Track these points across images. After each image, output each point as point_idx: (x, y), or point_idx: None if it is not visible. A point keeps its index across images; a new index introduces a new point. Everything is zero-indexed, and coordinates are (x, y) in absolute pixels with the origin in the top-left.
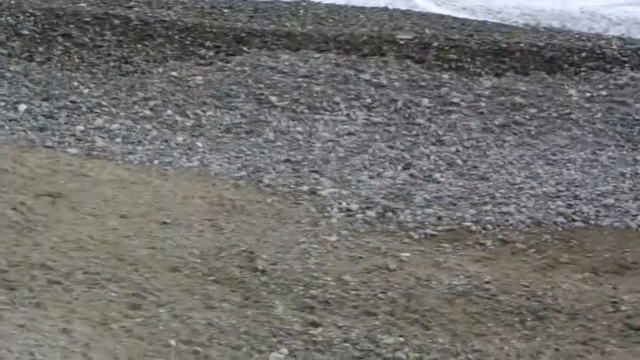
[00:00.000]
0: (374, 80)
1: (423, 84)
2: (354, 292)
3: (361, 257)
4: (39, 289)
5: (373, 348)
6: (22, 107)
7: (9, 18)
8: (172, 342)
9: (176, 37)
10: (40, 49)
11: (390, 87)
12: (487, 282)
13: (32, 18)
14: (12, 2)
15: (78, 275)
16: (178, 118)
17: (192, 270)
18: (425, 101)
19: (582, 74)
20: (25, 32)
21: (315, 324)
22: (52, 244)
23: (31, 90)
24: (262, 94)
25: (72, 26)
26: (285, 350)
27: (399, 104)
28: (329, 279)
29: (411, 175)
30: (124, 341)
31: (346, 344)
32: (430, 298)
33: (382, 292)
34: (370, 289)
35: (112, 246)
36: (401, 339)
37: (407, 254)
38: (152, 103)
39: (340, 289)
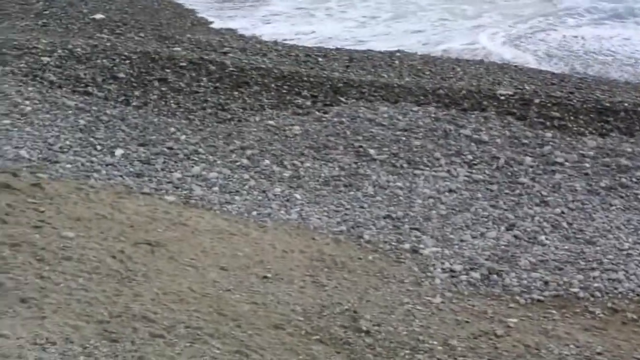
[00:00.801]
0: (475, 136)
1: (525, 141)
2: (461, 358)
3: (467, 322)
4: (140, 342)
5: None
6: (119, 151)
7: (105, 60)
8: None
9: (272, 85)
10: (137, 92)
11: (491, 143)
12: (599, 354)
13: (127, 61)
14: (108, 44)
15: (180, 329)
16: (276, 168)
17: (296, 329)
18: (528, 160)
19: None
20: (122, 75)
21: None
22: (152, 295)
23: (128, 135)
24: (360, 147)
25: (168, 71)
26: None
27: (501, 161)
28: (435, 343)
29: (515, 236)
30: None
31: None
32: None
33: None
34: (477, 355)
35: (213, 300)
36: None
37: (514, 320)
38: (249, 152)
39: (448, 354)
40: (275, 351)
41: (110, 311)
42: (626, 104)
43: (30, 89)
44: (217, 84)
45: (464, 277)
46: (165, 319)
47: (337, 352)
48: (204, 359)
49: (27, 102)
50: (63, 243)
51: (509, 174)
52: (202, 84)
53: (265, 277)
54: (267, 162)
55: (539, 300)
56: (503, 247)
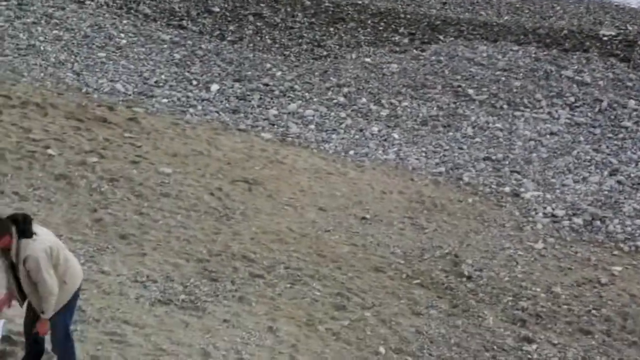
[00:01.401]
0: (577, 77)
1: (629, 84)
2: (565, 306)
3: (570, 268)
4: (241, 282)
5: None
6: (215, 87)
7: None
8: (382, 350)
9: (369, 21)
10: (232, 27)
11: (594, 85)
12: None
13: None
14: None
15: (280, 270)
16: (373, 107)
17: (396, 272)
18: (632, 103)
19: None
20: (216, 9)
21: (528, 340)
22: (251, 234)
23: (223, 70)
24: (459, 86)
25: (263, 5)
26: None
27: (604, 104)
28: (538, 290)
29: (618, 182)
30: (332, 344)
31: None
32: None
33: (595, 309)
34: (582, 304)
35: (312, 240)
36: None
37: (619, 268)
38: (345, 90)
39: (551, 302)
40: (376, 294)
41: (210, 249)
42: None
43: (124, 22)
44: (313, 20)
45: (566, 223)
46: (264, 258)
47: (439, 297)
48: (304, 300)
49: (122, 35)
50: (161, 179)
51: (612, 117)
52: (297, 19)
53: (364, 218)
54: (364, 100)
55: None
56: (606, 192)
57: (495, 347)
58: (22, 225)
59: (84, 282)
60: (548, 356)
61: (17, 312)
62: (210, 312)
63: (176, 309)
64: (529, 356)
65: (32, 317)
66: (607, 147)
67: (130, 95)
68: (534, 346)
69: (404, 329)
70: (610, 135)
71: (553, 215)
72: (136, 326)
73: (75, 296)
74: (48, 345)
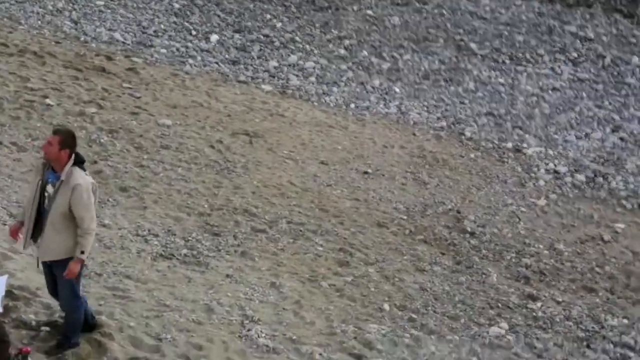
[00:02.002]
0: (580, 33)
1: (633, 40)
2: (568, 263)
3: (573, 225)
4: (243, 237)
5: (598, 329)
6: (214, 37)
7: None
8: (386, 306)
9: None
10: None
11: (597, 41)
12: None
13: None
14: None
15: (282, 225)
16: (374, 60)
17: (399, 228)
18: (636, 59)
19: None
20: None
21: (533, 297)
22: (252, 188)
23: (223, 20)
24: (461, 40)
25: None
26: (505, 325)
27: (607, 60)
28: (541, 247)
29: (621, 138)
30: (335, 301)
31: (569, 322)
32: None
33: (598, 266)
34: (585, 261)
35: (314, 195)
36: (625, 320)
37: (621, 225)
38: (347, 42)
39: (554, 259)
40: (379, 250)
41: (211, 203)
42: None
43: None
44: None
45: (568, 179)
46: (266, 213)
47: (442, 254)
48: (307, 256)
49: None
50: (161, 131)
51: (615, 73)
52: None
53: (365, 172)
54: (365, 53)
55: None
56: (608, 149)
57: (500, 304)
58: (81, 156)
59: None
60: (553, 314)
61: (18, 266)
62: (213, 267)
63: (178, 264)
64: (534, 314)
65: (53, 280)
66: (610, 103)
67: (128, 44)
68: (539, 304)
69: (407, 286)
70: (613, 91)
71: (555, 172)
72: (139, 281)
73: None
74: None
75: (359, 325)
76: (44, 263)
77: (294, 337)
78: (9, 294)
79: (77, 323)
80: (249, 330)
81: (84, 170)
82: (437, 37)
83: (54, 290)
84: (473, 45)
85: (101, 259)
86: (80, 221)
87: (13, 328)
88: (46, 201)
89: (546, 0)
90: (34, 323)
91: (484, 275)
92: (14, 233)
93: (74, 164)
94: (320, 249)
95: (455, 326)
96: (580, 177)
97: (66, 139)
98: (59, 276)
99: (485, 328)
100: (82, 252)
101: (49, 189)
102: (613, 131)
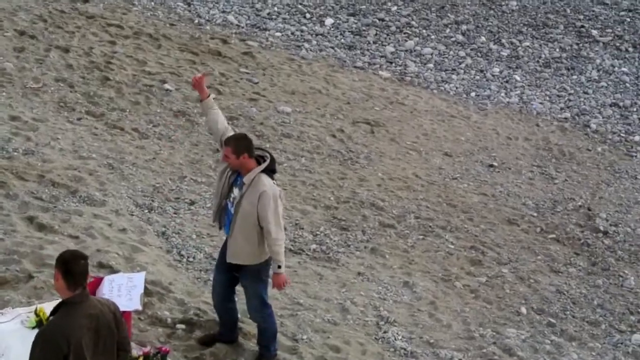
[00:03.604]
0: None
1: None
2: None
3: None
4: (371, 232)
5: None
6: (329, 21)
7: None
8: (523, 310)
9: None
10: None
11: None
12: None
13: None
14: None
15: (410, 220)
16: (493, 46)
17: (529, 225)
18: None
19: None
20: None
21: None
22: (378, 181)
23: (337, 3)
24: (582, 27)
25: None
26: None
27: None
28: None
29: None
30: (471, 303)
31: None
32: None
33: None
34: None
35: (440, 188)
36: None
37: None
38: (464, 27)
39: None
40: (511, 249)
41: (337, 196)
42: None
43: None
44: None
45: None
46: (393, 207)
47: (576, 254)
48: (438, 254)
49: None
50: (281, 118)
51: None
52: None
53: (491, 165)
54: (483, 39)
55: None
56: None
57: None
58: (273, 164)
59: (210, 228)
60: None
61: (149, 260)
62: (343, 264)
63: (308, 260)
64: None
65: (224, 283)
66: None
67: (243, 27)
68: None
69: (543, 288)
70: None
71: None
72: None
73: (268, 263)
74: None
75: (497, 330)
76: (226, 265)
77: (432, 341)
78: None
79: (272, 331)
80: (385, 332)
81: (272, 178)
82: (557, 22)
83: (221, 297)
84: (594, 32)
85: None
86: (267, 231)
87: (149, 325)
88: (230, 203)
89: None
90: (169, 320)
91: (621, 278)
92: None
93: (263, 171)
94: (451, 246)
95: (596, 333)
96: None
97: (237, 146)
98: (246, 285)
99: (627, 335)
100: (279, 267)
101: (235, 191)
102: None
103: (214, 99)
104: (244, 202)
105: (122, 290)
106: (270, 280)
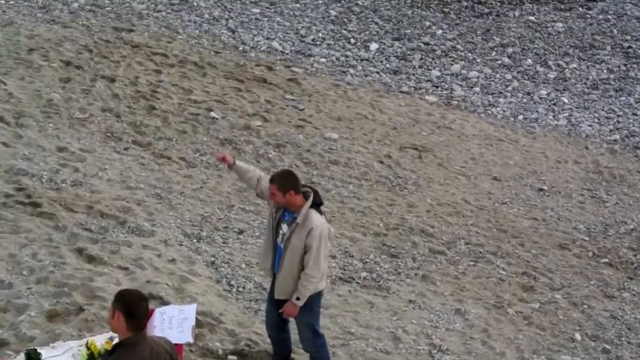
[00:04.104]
0: None
1: None
2: None
3: None
4: (422, 259)
5: None
6: (374, 46)
7: None
8: (577, 336)
9: None
10: None
11: None
12: None
13: None
14: None
15: (460, 246)
16: (539, 69)
17: (581, 249)
18: None
19: None
20: None
21: None
22: (426, 207)
23: (381, 28)
24: (629, 47)
25: None
26: None
27: None
28: None
29: None
30: (524, 330)
31: None
32: None
33: None
34: None
35: (490, 213)
36: None
37: None
38: (510, 50)
39: None
40: (564, 274)
41: (386, 223)
42: None
43: None
44: None
45: None
46: (443, 233)
47: (630, 279)
48: (490, 280)
49: None
50: (328, 145)
51: None
52: None
53: (540, 189)
54: (529, 61)
55: None
56: None
57: None
58: (318, 198)
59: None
60: None
61: (199, 290)
62: (394, 292)
63: (359, 288)
64: None
65: (277, 314)
66: None
67: (287, 54)
68: None
69: (597, 314)
70: None
71: None
72: (321, 307)
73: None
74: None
75: (552, 357)
76: (276, 301)
77: None
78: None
79: None
80: None
81: (321, 212)
82: (604, 44)
83: (275, 328)
84: None
85: None
86: (306, 263)
87: (200, 357)
88: (279, 238)
89: None
90: (220, 352)
91: None
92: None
93: (311, 205)
94: (503, 272)
95: None
96: None
97: (283, 183)
98: (298, 316)
99: None
100: (298, 299)
101: (284, 227)
102: None
103: (258, 126)
104: (293, 238)
105: (174, 323)
106: (321, 309)
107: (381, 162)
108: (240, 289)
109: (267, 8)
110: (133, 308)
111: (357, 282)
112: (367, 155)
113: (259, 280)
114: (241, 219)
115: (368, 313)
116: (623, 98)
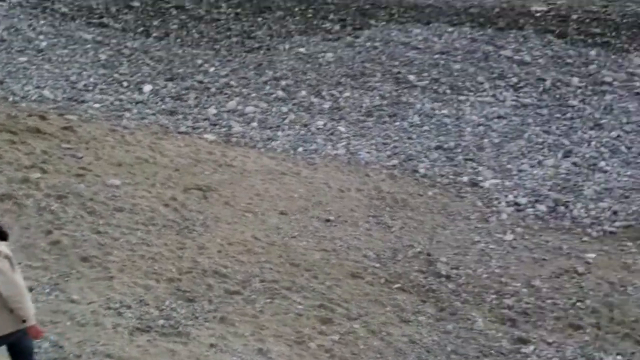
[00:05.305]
0: (516, 57)
1: (569, 61)
2: (549, 300)
3: (544, 259)
4: (218, 301)
5: None
6: (147, 87)
7: None
8: None
9: (296, 9)
10: (155, 22)
11: (534, 64)
12: None
13: None
14: None
15: (255, 284)
16: (314, 99)
17: (374, 277)
18: (575, 80)
19: None
20: (136, 3)
21: (523, 341)
22: (217, 247)
23: (153, 69)
24: (398, 73)
25: None
26: None
27: (547, 83)
28: (518, 284)
29: (574, 163)
30: None
31: None
32: (632, 307)
33: (579, 301)
34: (565, 296)
35: (280, 248)
36: (620, 357)
37: (592, 255)
38: (283, 83)
39: (534, 296)
40: (359, 303)
41: (179, 267)
42: None
43: (42, 22)
44: (238, 10)
45: (530, 211)
46: (237, 272)
47: (423, 301)
48: (288, 316)
49: (42, 37)
50: (111, 192)
51: (558, 96)
52: (222, 10)
53: (327, 220)
54: (303, 93)
55: (611, 232)
56: (564, 175)
57: (492, 351)
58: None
59: (55, 314)
60: (547, 356)
61: None
62: (194, 337)
63: (158, 337)
64: (529, 358)
65: None
66: (557, 127)
67: (59, 101)
68: (531, 347)
69: (396, 340)
70: (558, 115)
71: (516, 204)
72: (120, 359)
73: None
74: None
75: None
76: None
77: None
78: None
79: None
80: None
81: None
82: (374, 71)
83: None
84: (411, 77)
85: (77, 338)
86: (9, 288)
87: None
88: None
89: (477, 25)
90: None
91: (469, 321)
92: None
93: None
94: (300, 307)
95: None
96: (542, 207)
97: None
98: None
99: None
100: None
101: None
102: (565, 156)
103: (37, 178)
104: None
105: None
106: None
107: (167, 205)
108: None
109: (35, 56)
110: None
111: (156, 331)
112: (152, 200)
113: None
114: (31, 278)
115: None
116: (397, 123)
